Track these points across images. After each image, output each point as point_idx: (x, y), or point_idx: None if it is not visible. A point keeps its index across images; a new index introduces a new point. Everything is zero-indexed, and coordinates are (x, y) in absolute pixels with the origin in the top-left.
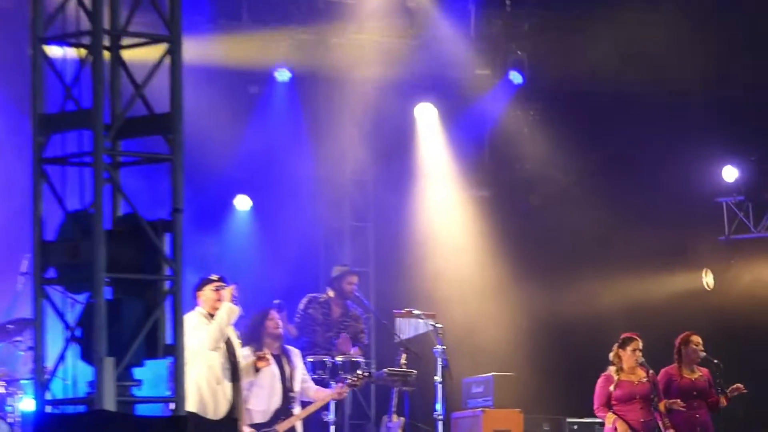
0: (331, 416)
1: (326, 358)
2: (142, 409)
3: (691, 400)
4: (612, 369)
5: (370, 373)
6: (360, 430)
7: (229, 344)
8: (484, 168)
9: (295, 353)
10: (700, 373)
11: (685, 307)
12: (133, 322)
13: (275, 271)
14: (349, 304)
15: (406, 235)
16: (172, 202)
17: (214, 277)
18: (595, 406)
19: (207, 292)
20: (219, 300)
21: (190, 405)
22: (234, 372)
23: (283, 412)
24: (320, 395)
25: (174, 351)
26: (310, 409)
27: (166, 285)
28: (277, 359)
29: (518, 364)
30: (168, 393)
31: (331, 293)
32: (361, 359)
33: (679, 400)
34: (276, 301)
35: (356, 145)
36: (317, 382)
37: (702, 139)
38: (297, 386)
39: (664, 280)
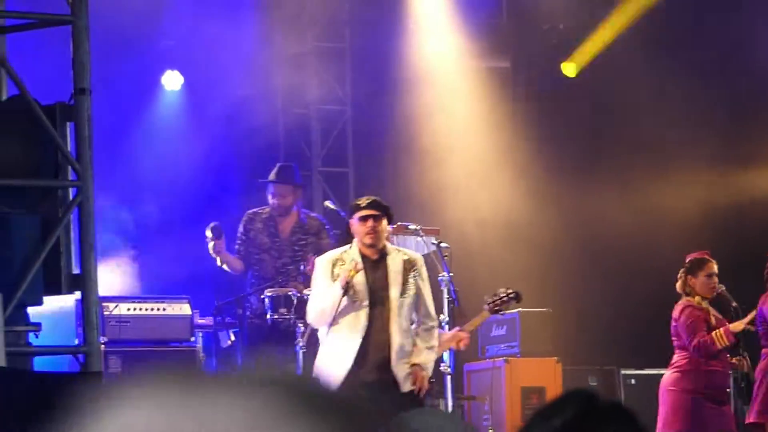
0: None
1: (291, 292)
2: (41, 363)
3: None
4: (692, 299)
5: (516, 293)
6: None
7: None
8: (501, 29)
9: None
10: None
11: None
12: (27, 245)
13: (211, 175)
14: (302, 214)
15: (398, 124)
16: (74, 81)
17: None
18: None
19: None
20: (370, 234)
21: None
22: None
23: None
24: (443, 338)
25: (82, 283)
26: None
27: (70, 193)
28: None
29: (554, 296)
30: (76, 341)
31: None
32: None
33: None
34: (212, 224)
35: (322, 3)
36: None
37: None
38: None
39: (739, 178)
